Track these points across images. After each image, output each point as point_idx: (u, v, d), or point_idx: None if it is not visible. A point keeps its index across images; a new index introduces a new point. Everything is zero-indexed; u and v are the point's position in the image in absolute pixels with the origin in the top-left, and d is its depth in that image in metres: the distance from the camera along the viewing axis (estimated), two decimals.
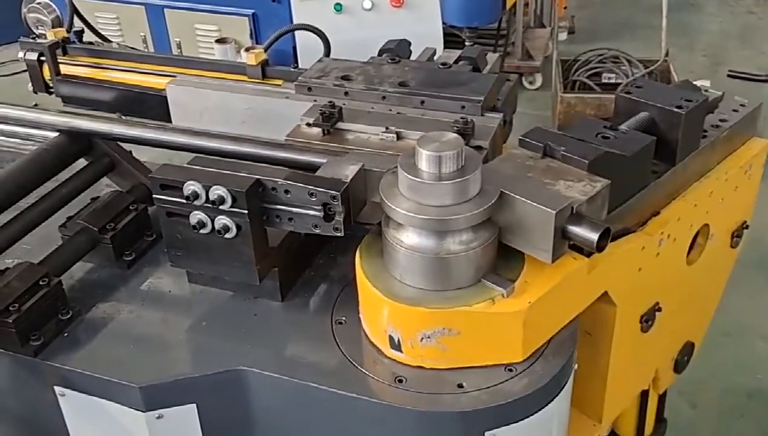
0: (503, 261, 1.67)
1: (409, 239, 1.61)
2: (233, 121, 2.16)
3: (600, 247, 1.57)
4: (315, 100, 2.06)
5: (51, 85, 2.58)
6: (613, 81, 5.66)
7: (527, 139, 1.78)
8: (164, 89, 2.37)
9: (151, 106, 2.39)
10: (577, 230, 1.56)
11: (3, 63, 7.02)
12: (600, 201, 1.66)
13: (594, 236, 1.55)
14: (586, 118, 1.92)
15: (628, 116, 1.93)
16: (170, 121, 2.31)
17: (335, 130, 1.96)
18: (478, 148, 1.88)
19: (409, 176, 1.58)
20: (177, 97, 2.27)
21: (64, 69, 2.55)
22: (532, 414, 1.64)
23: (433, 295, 1.63)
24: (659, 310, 2.05)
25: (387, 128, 1.94)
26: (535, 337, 1.68)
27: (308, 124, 1.97)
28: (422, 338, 1.63)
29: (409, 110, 2.05)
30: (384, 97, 2.08)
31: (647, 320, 2.03)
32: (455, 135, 1.64)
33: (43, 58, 2.57)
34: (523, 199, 1.57)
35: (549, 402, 1.67)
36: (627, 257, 1.86)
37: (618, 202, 1.79)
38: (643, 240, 1.89)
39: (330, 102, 2.00)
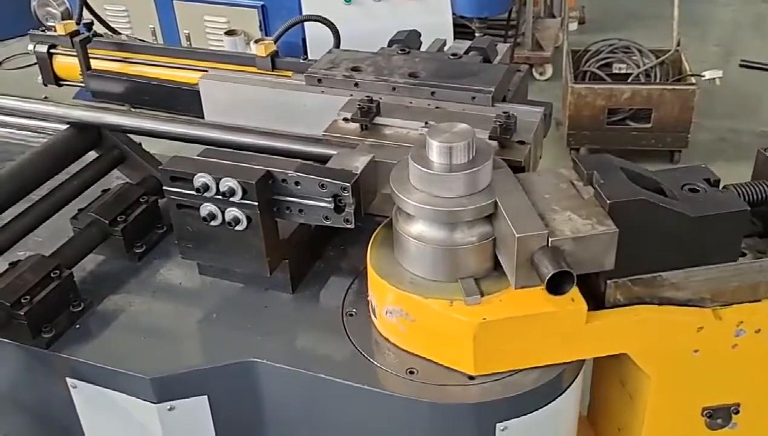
0: (498, 273, 1.63)
1: (404, 221, 1.65)
2: (266, 116, 2.12)
3: (554, 289, 1.44)
4: (351, 95, 2.03)
5: (81, 78, 2.55)
6: (624, 71, 5.60)
7: (578, 162, 1.66)
8: (181, 82, 2.36)
9: (181, 99, 2.37)
10: (538, 262, 1.46)
11: (13, 56, 7.03)
12: (599, 247, 1.51)
13: (546, 273, 1.43)
14: (699, 166, 1.71)
15: (764, 177, 1.74)
16: (202, 116, 2.28)
17: (373, 126, 1.92)
18: (521, 142, 1.84)
19: (420, 167, 1.58)
20: (209, 92, 2.25)
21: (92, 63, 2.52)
22: (542, 406, 1.64)
23: (410, 277, 1.65)
24: (737, 411, 1.78)
25: (426, 123, 1.91)
26: (495, 358, 1.61)
27: (345, 120, 1.94)
28: (386, 312, 1.67)
29: (449, 104, 2.01)
30: (394, 89, 2.06)
31: (713, 416, 1.78)
32: (466, 125, 1.64)
33: (52, 50, 2.56)
34: (505, 214, 1.52)
35: (559, 395, 1.66)
36: (666, 329, 1.65)
37: (672, 266, 1.62)
38: (699, 319, 1.65)
39: (368, 96, 1.95)
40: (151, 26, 5.73)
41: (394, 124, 1.93)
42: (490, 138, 1.82)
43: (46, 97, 2.47)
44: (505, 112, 1.87)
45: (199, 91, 2.27)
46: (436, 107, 2.01)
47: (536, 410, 1.63)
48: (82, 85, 2.55)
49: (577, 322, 1.59)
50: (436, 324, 1.61)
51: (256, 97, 2.18)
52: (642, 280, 1.63)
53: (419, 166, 1.59)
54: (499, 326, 1.57)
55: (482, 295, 1.59)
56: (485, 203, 1.56)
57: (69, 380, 1.79)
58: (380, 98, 1.98)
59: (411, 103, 2.03)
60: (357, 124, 1.92)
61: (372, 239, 1.76)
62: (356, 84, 2.09)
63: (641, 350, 1.68)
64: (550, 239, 1.48)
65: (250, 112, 2.15)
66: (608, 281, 1.62)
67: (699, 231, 1.57)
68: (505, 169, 1.66)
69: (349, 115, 1.93)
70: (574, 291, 1.56)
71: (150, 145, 2.31)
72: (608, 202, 1.53)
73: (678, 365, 1.71)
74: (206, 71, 2.32)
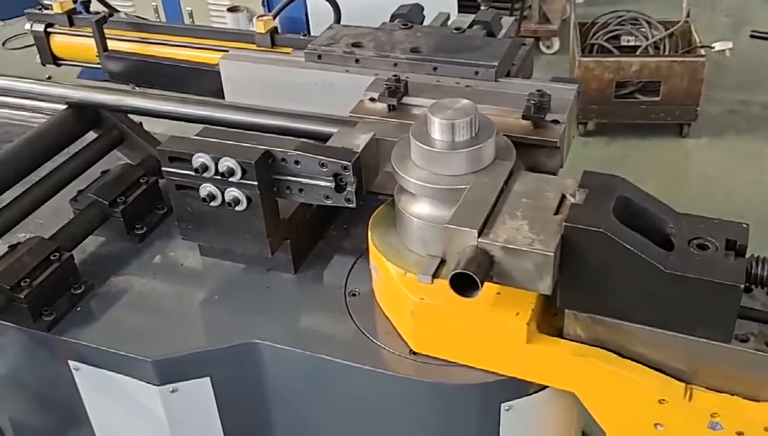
0: None
1: (397, 190, 1.69)
2: (288, 96, 2.06)
3: (459, 290, 1.38)
4: (377, 75, 1.98)
5: (78, 57, 2.52)
6: (632, 44, 5.53)
7: (583, 176, 1.53)
8: (201, 63, 2.33)
9: (201, 79, 2.33)
10: (459, 258, 1.40)
11: (16, 36, 7.00)
12: (530, 266, 1.39)
13: (452, 270, 1.38)
14: (738, 225, 1.45)
15: None
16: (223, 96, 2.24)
17: (401, 106, 1.86)
18: (555, 122, 1.76)
19: (420, 145, 1.56)
20: (230, 73, 2.19)
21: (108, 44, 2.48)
22: (547, 386, 1.62)
23: (394, 242, 1.69)
24: None
25: None
26: (433, 341, 1.60)
27: (372, 100, 1.88)
28: (371, 265, 1.75)
29: (480, 82, 1.96)
30: (395, 64, 2.02)
31: None
32: (468, 101, 1.60)
33: (49, 29, 2.53)
34: (457, 206, 1.48)
35: None
36: (621, 386, 1.50)
37: (651, 323, 1.45)
38: (661, 390, 1.47)
39: (395, 76, 1.89)
40: (154, 4, 5.69)
41: (422, 104, 1.85)
42: (524, 117, 1.75)
43: (50, 77, 2.44)
44: (538, 91, 1.78)
45: (218, 71, 2.22)
46: (467, 86, 1.95)
47: (541, 390, 1.61)
48: (81, 64, 2.52)
49: (515, 337, 1.51)
50: (391, 289, 1.65)
51: (278, 78, 2.12)
52: (605, 322, 1.49)
53: (418, 143, 1.58)
54: (434, 311, 1.56)
55: (437, 277, 1.52)
56: (447, 187, 1.55)
57: (71, 363, 1.78)
58: (407, 77, 1.91)
59: (438, 81, 1.97)
60: (384, 105, 1.86)
61: (378, 210, 1.77)
62: (357, 60, 2.06)
63: (592, 398, 1.55)
64: (479, 241, 1.42)
65: (271, 93, 2.10)
66: (566, 311, 1.52)
67: (674, 291, 1.37)
68: (505, 163, 1.61)
69: (376, 95, 1.87)
70: (525, 305, 1.51)
71: (152, 126, 2.28)
72: (565, 225, 1.40)
73: (637, 433, 1.54)
74: (226, 51, 2.26)
